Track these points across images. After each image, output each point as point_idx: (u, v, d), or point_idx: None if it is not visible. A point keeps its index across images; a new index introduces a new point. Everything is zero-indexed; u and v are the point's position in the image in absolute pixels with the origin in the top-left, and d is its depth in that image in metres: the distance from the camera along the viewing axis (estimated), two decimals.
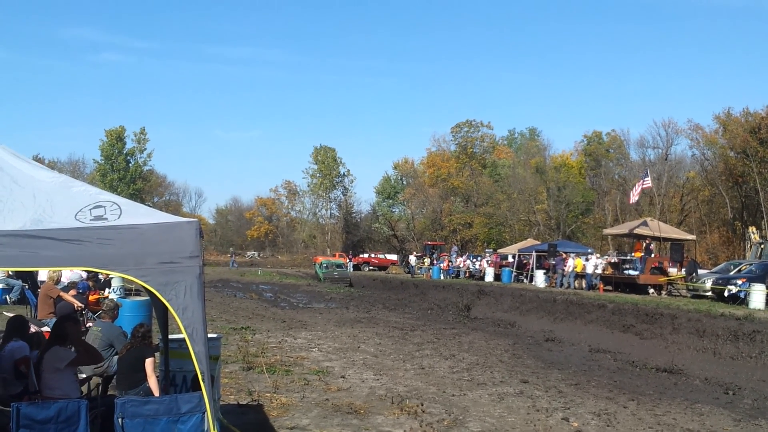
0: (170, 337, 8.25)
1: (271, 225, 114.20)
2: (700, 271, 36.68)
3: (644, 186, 41.73)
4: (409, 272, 63.08)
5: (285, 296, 36.13)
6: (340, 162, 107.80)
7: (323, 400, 11.16)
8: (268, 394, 11.25)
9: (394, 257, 79.46)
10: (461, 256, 59.17)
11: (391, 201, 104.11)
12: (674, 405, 12.29)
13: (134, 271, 5.50)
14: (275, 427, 9.47)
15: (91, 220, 5.53)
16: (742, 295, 28.41)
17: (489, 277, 47.86)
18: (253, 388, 11.61)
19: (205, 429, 5.79)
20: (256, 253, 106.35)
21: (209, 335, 9.00)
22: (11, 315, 9.78)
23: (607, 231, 53.09)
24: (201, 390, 5.62)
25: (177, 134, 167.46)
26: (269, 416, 10.03)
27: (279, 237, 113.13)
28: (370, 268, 73.23)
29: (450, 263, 56.29)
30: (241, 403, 10.66)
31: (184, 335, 5.60)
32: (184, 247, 5.61)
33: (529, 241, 58.05)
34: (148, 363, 8.44)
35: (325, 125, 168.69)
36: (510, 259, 51.52)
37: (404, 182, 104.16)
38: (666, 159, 72.80)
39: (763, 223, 58.55)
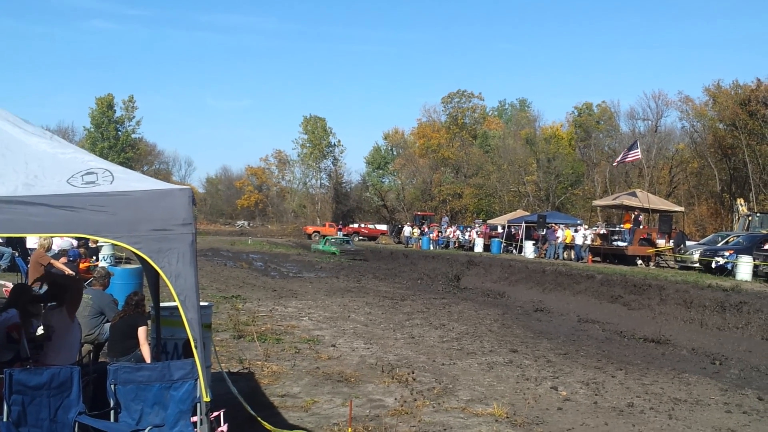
0: (162, 304, 8.25)
1: (261, 194, 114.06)
2: (688, 243, 36.87)
3: (634, 158, 41.77)
4: (400, 242, 63.14)
5: (275, 265, 36.17)
6: (330, 132, 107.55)
7: (314, 369, 11.22)
8: (259, 363, 11.29)
9: (384, 227, 79.46)
10: (452, 227, 59.18)
11: (381, 171, 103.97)
12: (662, 375, 12.39)
13: (127, 238, 5.45)
14: (267, 394, 9.52)
15: (82, 185, 5.48)
16: (729, 266, 28.58)
17: (478, 248, 47.98)
18: (244, 356, 11.66)
19: (198, 396, 5.81)
20: (246, 223, 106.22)
21: (201, 303, 9.04)
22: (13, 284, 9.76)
23: (596, 202, 53.18)
24: (193, 357, 5.63)
25: (168, 103, 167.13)
26: (260, 384, 10.07)
27: (269, 206, 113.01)
28: (360, 238, 73.23)
29: (440, 234, 56.32)
30: (232, 371, 10.70)
31: (176, 302, 5.59)
32: (177, 214, 5.57)
33: (519, 212, 58.16)
34: (141, 331, 8.45)
35: (316, 95, 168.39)
36: (499, 230, 51.66)
37: (394, 152, 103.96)
38: (656, 131, 72.82)
39: (751, 195, 58.80)
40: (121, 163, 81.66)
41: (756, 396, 11.03)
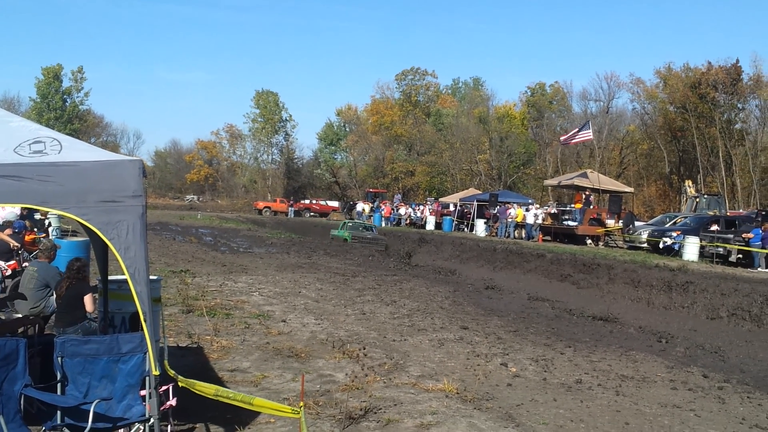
0: (110, 278, 8.11)
1: (212, 169, 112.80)
2: (637, 223, 37.48)
3: (585, 138, 42.22)
4: (351, 219, 63.03)
5: (225, 240, 35.87)
6: (283, 107, 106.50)
7: (264, 344, 11.15)
8: (208, 337, 11.18)
9: (335, 204, 79.22)
10: (405, 204, 59.21)
11: (333, 147, 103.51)
12: (609, 352, 12.58)
13: (75, 209, 5.35)
14: (215, 369, 9.43)
15: (30, 154, 5.35)
16: (676, 247, 29.12)
17: (430, 226, 48.10)
18: (193, 331, 11.53)
19: (147, 369, 5.74)
20: (195, 197, 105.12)
21: (150, 277, 8.91)
22: None
23: (548, 182, 53.70)
24: (142, 330, 5.55)
25: (118, 74, 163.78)
26: (209, 358, 9.98)
27: (219, 181, 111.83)
28: (311, 214, 72.92)
29: (392, 211, 56.33)
30: (180, 345, 10.59)
31: (126, 275, 5.50)
32: (127, 186, 5.48)
33: (471, 191, 58.46)
34: (87, 299, 8.32)
35: (269, 69, 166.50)
36: (451, 208, 51.82)
37: (347, 129, 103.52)
38: (607, 112, 73.66)
39: (698, 177, 59.95)
40: (68, 135, 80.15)
41: (701, 373, 11.25)
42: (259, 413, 7.22)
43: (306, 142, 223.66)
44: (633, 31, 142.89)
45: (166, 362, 5.82)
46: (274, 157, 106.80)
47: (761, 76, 59.73)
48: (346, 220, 48.85)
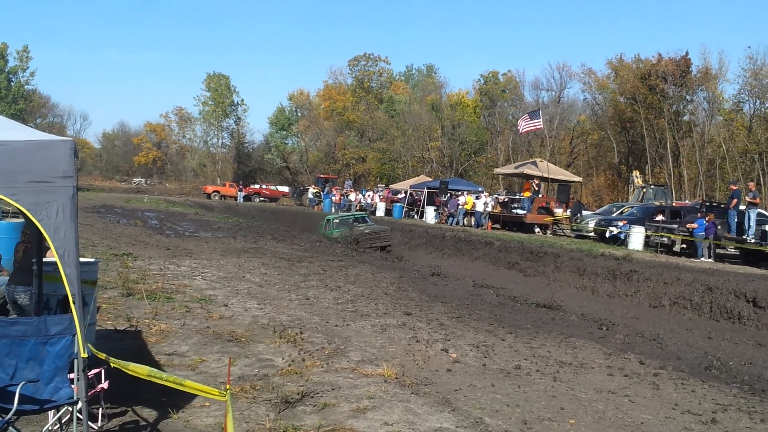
0: (44, 260, 7.96)
1: (160, 152, 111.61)
2: (585, 212, 37.98)
3: (536, 127, 42.56)
4: (302, 204, 62.80)
5: (171, 224, 35.41)
6: (234, 90, 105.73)
7: (204, 328, 11.04)
8: (147, 321, 11.03)
9: (285, 189, 78.88)
10: (355, 190, 59.12)
11: (284, 132, 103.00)
12: (550, 338, 12.69)
13: (4, 189, 5.28)
14: (153, 352, 9.32)
15: None
16: (622, 236, 29.53)
17: (380, 212, 48.12)
18: (131, 314, 11.34)
19: (75, 351, 5.65)
20: (142, 180, 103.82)
21: (87, 259, 8.78)
22: None
23: (498, 170, 54.05)
24: (72, 313, 5.46)
25: (67, 55, 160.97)
26: (147, 342, 9.86)
27: (168, 164, 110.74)
28: (261, 199, 72.50)
29: (342, 197, 56.23)
30: (118, 328, 10.45)
31: (55, 257, 5.43)
32: (58, 166, 5.42)
33: (422, 178, 58.65)
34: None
35: (220, 52, 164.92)
36: (402, 195, 51.89)
37: (299, 114, 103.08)
38: (558, 102, 74.37)
39: (646, 167, 60.89)
40: (13, 115, 78.86)
41: (638, 360, 11.42)
42: (195, 397, 7.18)
43: (257, 126, 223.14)
44: (586, 22, 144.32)
45: (89, 345, 5.71)
46: (224, 141, 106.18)
47: (710, 68, 61.02)
48: (330, 216, 37.51)
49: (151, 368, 5.45)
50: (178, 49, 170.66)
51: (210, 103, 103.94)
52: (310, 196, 61.00)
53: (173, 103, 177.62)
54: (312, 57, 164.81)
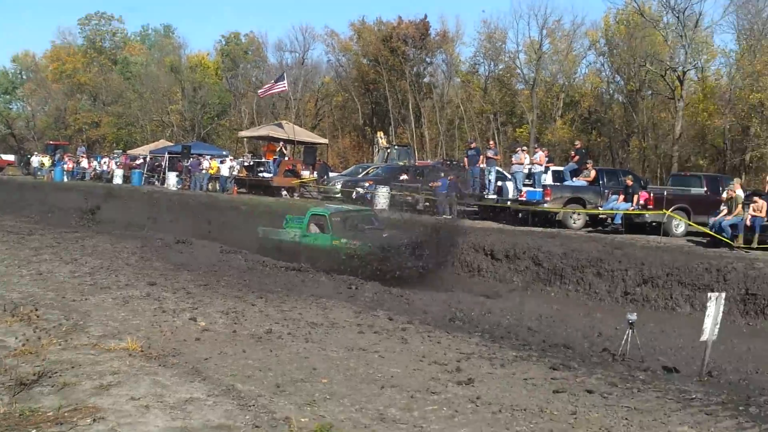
0: None
1: None
2: (331, 174, 38.37)
3: (280, 89, 42.39)
4: (29, 174, 58.51)
5: None
6: None
7: None
8: None
9: (11, 158, 73.13)
10: (88, 157, 55.88)
11: (8, 97, 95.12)
12: (300, 301, 12.62)
13: None
14: None
15: None
16: (368, 196, 30.11)
17: (118, 180, 45.64)
18: None
19: None
20: None
21: None
22: None
23: (243, 133, 53.32)
24: None
25: None
26: None
27: None
28: None
29: (75, 164, 53.01)
30: None
31: None
32: None
33: (162, 143, 56.71)
34: None
35: None
36: (141, 161, 49.79)
37: (24, 77, 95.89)
38: (303, 64, 74.49)
39: (390, 129, 62.83)
40: None
41: (387, 317, 11.64)
42: None
43: None
44: None
45: None
46: None
47: (447, 32, 63.65)
48: (312, 208, 22.52)
49: None
50: None
51: None
52: (35, 165, 56.84)
53: None
54: (38, 16, 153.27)
